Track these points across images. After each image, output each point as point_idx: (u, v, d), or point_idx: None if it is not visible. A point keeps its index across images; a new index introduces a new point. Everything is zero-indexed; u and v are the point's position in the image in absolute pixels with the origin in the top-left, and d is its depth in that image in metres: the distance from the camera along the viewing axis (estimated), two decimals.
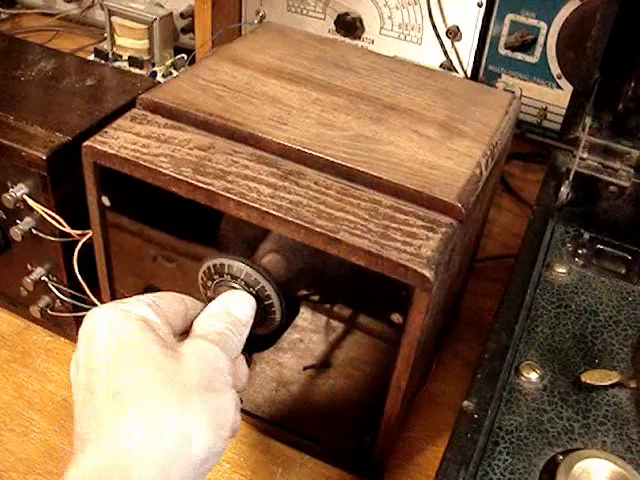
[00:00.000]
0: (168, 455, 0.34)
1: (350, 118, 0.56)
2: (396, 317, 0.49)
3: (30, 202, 0.57)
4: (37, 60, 0.68)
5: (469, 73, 0.97)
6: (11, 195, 0.57)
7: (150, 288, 0.61)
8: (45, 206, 0.57)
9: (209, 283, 0.53)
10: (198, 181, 0.48)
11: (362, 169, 0.51)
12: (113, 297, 0.60)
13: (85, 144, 0.51)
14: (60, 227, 0.57)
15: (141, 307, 0.41)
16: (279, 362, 0.58)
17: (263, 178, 0.49)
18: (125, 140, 0.51)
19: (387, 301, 0.49)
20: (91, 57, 1.00)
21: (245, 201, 0.47)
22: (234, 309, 0.46)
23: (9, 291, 0.67)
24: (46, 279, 0.62)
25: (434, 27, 0.93)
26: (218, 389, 0.38)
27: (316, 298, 0.55)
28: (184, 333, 0.44)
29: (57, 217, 0.57)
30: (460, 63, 0.96)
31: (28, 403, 0.62)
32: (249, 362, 0.53)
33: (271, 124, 0.53)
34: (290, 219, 0.47)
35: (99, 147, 0.51)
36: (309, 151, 0.51)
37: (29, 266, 0.63)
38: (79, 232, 0.58)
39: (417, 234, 0.47)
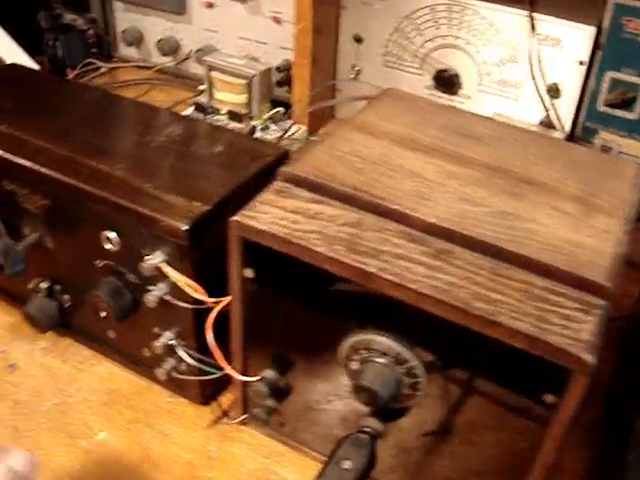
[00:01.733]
0: None
1: (488, 193, 0.56)
2: (550, 398, 0.48)
3: (167, 270, 0.58)
4: (164, 125, 0.69)
5: (567, 130, 0.96)
6: (148, 263, 0.58)
7: (279, 356, 0.62)
8: (182, 274, 0.58)
9: (354, 356, 0.53)
10: (353, 260, 0.48)
11: (511, 249, 0.50)
12: (244, 364, 0.60)
13: (233, 219, 0.52)
14: (197, 295, 0.58)
15: None
16: (399, 427, 0.58)
17: (416, 257, 0.49)
18: (273, 215, 0.52)
19: (537, 380, 0.49)
20: (190, 110, 1.02)
21: (402, 282, 0.47)
22: (17, 466, 0.46)
23: (132, 351, 0.67)
24: (174, 343, 0.63)
25: (536, 85, 0.92)
26: None
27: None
28: None
29: (195, 285, 0.57)
30: (559, 120, 0.96)
31: (155, 466, 0.62)
32: (382, 433, 0.53)
33: (415, 200, 0.54)
34: (447, 301, 0.47)
35: (248, 222, 0.51)
36: (458, 230, 0.51)
37: (156, 329, 0.64)
38: (214, 300, 0.58)
39: (572, 316, 0.47)
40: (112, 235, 0.61)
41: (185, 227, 0.56)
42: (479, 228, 0.52)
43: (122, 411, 0.66)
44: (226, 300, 0.58)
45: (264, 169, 0.63)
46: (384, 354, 0.52)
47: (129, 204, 0.58)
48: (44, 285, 0.71)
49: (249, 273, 0.54)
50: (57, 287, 0.71)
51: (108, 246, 0.62)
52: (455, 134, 0.63)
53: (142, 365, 0.68)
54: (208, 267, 0.59)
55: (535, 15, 0.91)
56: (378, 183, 0.55)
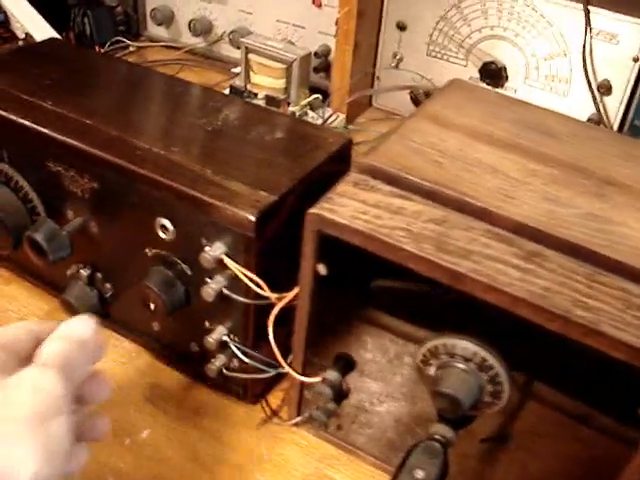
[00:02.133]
0: None
1: (573, 193, 0.53)
2: None
3: (229, 263, 0.55)
4: (219, 107, 0.66)
5: (615, 127, 0.93)
6: (209, 254, 0.54)
7: (342, 356, 0.59)
8: (244, 267, 0.55)
9: (432, 361, 0.50)
10: (443, 260, 0.45)
11: (605, 253, 0.48)
12: (304, 364, 0.57)
13: (311, 211, 0.49)
14: (260, 291, 0.54)
15: None
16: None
17: (507, 259, 0.46)
18: (354, 209, 0.49)
19: (631, 395, 0.46)
20: (226, 93, 0.98)
21: (496, 285, 0.44)
22: (76, 330, 0.45)
23: (178, 345, 0.64)
24: (227, 339, 0.60)
25: (588, 81, 0.89)
26: (50, 417, 0.38)
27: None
28: None
29: (258, 280, 0.54)
30: (607, 117, 0.93)
31: (203, 467, 0.59)
32: (452, 441, 0.51)
33: (500, 197, 0.51)
34: (546, 307, 0.44)
35: (328, 215, 0.48)
36: (547, 231, 0.48)
37: (207, 323, 0.61)
38: (277, 295, 0.55)
39: None
40: (167, 223, 0.57)
41: (253, 217, 0.52)
42: (569, 230, 0.49)
43: (167, 408, 0.63)
44: (290, 296, 0.55)
45: (328, 158, 0.60)
46: (467, 360, 0.49)
47: (189, 190, 0.55)
48: (85, 272, 0.68)
49: (322, 269, 0.51)
50: (99, 275, 0.68)
51: (162, 234, 0.58)
52: (529, 129, 0.60)
53: (189, 360, 0.65)
54: (270, 261, 0.56)
55: (590, 8, 0.87)
56: (459, 179, 0.52)
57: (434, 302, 0.58)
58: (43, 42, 0.79)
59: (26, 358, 0.43)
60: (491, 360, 0.48)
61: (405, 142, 0.55)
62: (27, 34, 1.01)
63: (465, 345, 0.48)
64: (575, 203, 0.52)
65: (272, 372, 0.60)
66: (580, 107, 0.94)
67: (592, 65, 0.91)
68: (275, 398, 0.65)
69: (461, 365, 0.49)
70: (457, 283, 0.45)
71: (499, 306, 0.45)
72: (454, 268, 0.45)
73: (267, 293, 0.55)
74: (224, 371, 0.62)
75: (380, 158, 0.53)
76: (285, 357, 0.57)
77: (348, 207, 0.49)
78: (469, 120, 0.59)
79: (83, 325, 0.45)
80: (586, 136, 0.62)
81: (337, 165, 0.61)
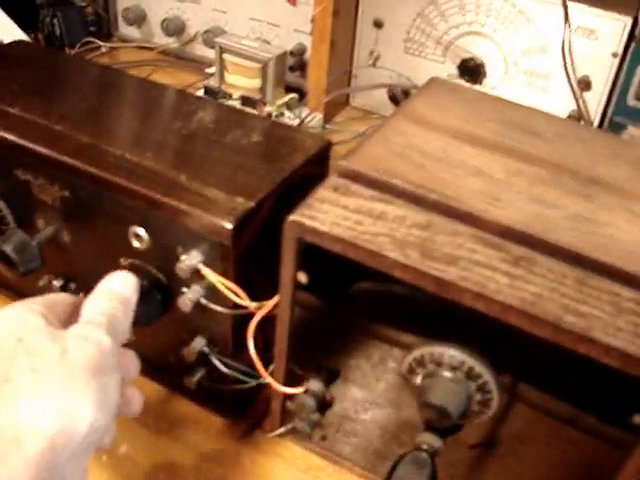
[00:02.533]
0: (54, 428, 0.36)
1: (560, 194, 0.52)
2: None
3: (206, 272, 0.53)
4: (193, 110, 0.64)
5: (595, 124, 0.92)
6: (186, 264, 0.52)
7: (325, 367, 0.57)
8: (221, 275, 0.53)
9: (419, 370, 0.48)
10: (429, 267, 0.44)
11: (594, 257, 0.46)
12: (286, 374, 0.55)
13: (291, 219, 0.47)
14: (238, 300, 0.53)
15: (39, 303, 0.44)
16: None
17: (495, 265, 0.45)
18: (335, 215, 0.47)
19: (623, 400, 0.45)
20: (199, 94, 0.96)
21: (485, 292, 0.43)
22: (118, 288, 0.48)
23: (155, 357, 0.62)
24: (207, 350, 0.58)
25: (567, 77, 0.88)
26: (102, 370, 0.41)
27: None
28: None
29: (236, 289, 0.53)
30: (587, 113, 0.92)
31: None
32: (440, 450, 0.49)
33: (485, 200, 0.49)
34: (537, 314, 0.42)
35: (308, 223, 0.46)
36: (535, 234, 0.47)
37: (185, 334, 0.59)
38: (257, 305, 0.53)
39: None
40: (141, 231, 0.55)
41: (230, 225, 0.51)
42: (557, 233, 0.47)
43: (145, 422, 0.61)
44: (270, 305, 0.53)
45: (307, 161, 0.58)
46: (455, 368, 0.47)
47: (163, 198, 0.53)
48: (57, 283, 0.66)
49: (303, 278, 0.49)
50: (72, 285, 0.65)
51: (135, 243, 0.56)
52: (513, 129, 0.59)
53: (166, 372, 0.63)
54: (248, 268, 0.54)
55: (569, 3, 0.86)
56: (442, 181, 0.50)
57: (418, 307, 0.56)
58: (10, 44, 0.76)
59: (65, 322, 0.45)
60: (479, 368, 0.47)
61: (386, 144, 0.54)
62: None
63: (452, 353, 0.47)
64: (562, 204, 0.50)
65: (253, 383, 0.58)
66: (560, 103, 0.93)
67: (572, 61, 0.90)
68: (258, 409, 0.63)
69: (448, 374, 0.47)
70: (444, 291, 0.44)
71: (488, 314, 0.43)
72: (441, 276, 0.44)
73: (246, 302, 0.53)
74: (204, 382, 0.60)
75: (361, 161, 0.51)
76: (266, 367, 0.56)
77: (329, 213, 0.47)
78: (452, 120, 0.58)
79: (125, 282, 0.48)
80: (571, 135, 0.60)
81: (316, 168, 0.59)
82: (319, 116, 0.97)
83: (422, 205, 0.49)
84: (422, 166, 0.52)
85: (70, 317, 0.46)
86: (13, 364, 0.38)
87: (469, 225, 0.48)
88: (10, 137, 0.58)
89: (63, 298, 0.47)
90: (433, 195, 0.49)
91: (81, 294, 0.49)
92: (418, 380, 0.50)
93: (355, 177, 0.50)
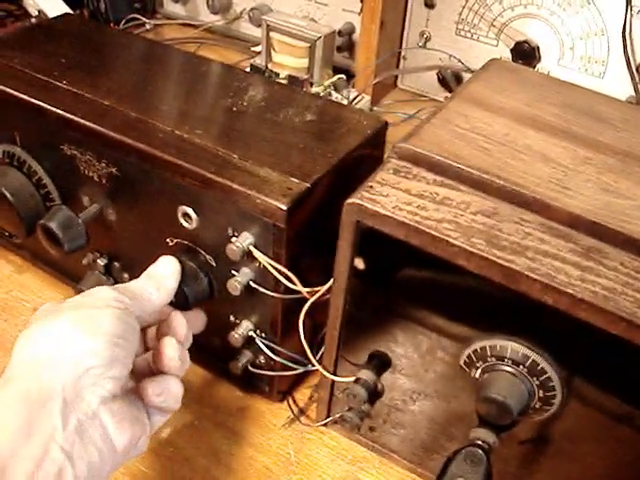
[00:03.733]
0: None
1: (630, 184, 0.49)
2: None
3: (257, 254, 0.51)
4: (244, 87, 0.62)
5: None
6: (237, 246, 0.51)
7: (376, 354, 0.55)
8: (273, 259, 0.51)
9: (479, 364, 0.46)
10: (496, 257, 0.42)
11: None
12: (336, 362, 0.54)
13: (350, 201, 0.45)
14: (290, 284, 0.51)
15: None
16: None
17: (565, 256, 0.42)
18: (397, 199, 0.45)
19: None
20: None
21: (555, 285, 0.41)
22: (157, 268, 0.52)
23: (199, 340, 0.60)
24: (254, 334, 0.56)
25: (627, 62, 0.85)
26: (121, 340, 0.43)
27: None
28: None
29: (288, 273, 0.51)
30: None
31: (227, 469, 0.56)
32: (495, 446, 0.47)
33: (553, 187, 0.47)
34: (609, 309, 0.40)
35: (369, 206, 0.44)
36: (607, 224, 0.44)
37: (232, 318, 0.57)
38: (309, 290, 0.51)
39: None
40: (190, 211, 0.54)
41: (284, 206, 0.49)
42: (629, 224, 0.45)
43: (188, 406, 0.60)
44: (323, 290, 0.51)
45: (363, 142, 0.56)
46: (517, 363, 0.45)
47: (215, 177, 0.51)
48: (101, 262, 0.64)
49: (360, 264, 0.47)
50: (116, 264, 0.64)
51: (184, 223, 0.55)
52: (578, 113, 0.56)
53: (212, 356, 0.61)
54: (300, 252, 0.52)
55: None
56: (508, 167, 0.48)
57: (471, 297, 0.54)
58: (57, 18, 0.75)
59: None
60: (543, 364, 0.44)
61: (448, 126, 0.51)
62: (40, 11, 0.98)
63: (516, 348, 0.44)
64: (634, 194, 0.48)
65: (300, 369, 0.57)
66: (616, 90, 0.89)
67: (631, 45, 0.87)
68: (302, 396, 0.62)
69: (510, 369, 0.45)
70: (512, 282, 0.42)
71: (555, 307, 0.41)
72: (510, 266, 0.41)
73: (298, 287, 0.51)
74: (249, 368, 0.58)
75: (422, 143, 0.49)
76: (313, 354, 0.54)
77: (390, 197, 0.45)
78: (515, 103, 0.55)
79: (167, 266, 0.52)
80: (639, 121, 0.57)
81: (372, 150, 0.57)
82: (367, 98, 0.94)
83: (488, 191, 0.46)
84: (486, 150, 0.49)
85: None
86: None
87: (536, 213, 0.46)
88: (57, 111, 0.57)
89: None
90: (499, 181, 0.46)
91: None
92: (477, 373, 0.48)
93: (417, 160, 0.48)
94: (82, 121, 0.57)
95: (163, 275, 0.51)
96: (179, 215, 0.55)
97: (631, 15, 0.84)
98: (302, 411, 0.61)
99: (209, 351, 0.61)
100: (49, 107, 0.57)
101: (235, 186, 0.51)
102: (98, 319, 0.43)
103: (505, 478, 0.56)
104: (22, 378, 0.40)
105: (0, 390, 0.40)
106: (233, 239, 0.52)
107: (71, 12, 0.95)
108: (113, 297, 0.45)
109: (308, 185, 0.51)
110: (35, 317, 0.44)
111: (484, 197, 0.46)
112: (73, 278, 0.67)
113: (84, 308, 0.44)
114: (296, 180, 0.51)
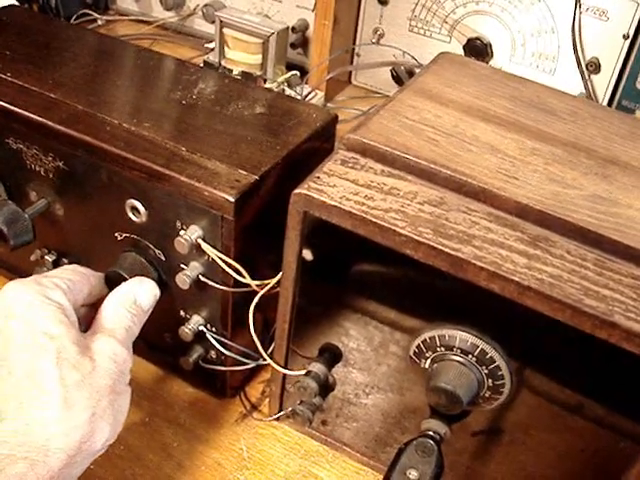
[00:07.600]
0: (76, 446, 0.40)
1: (577, 174, 0.50)
2: None
3: (206, 248, 0.51)
4: (194, 81, 0.61)
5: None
6: (185, 239, 0.50)
7: (327, 347, 0.55)
8: (222, 252, 0.50)
9: (428, 354, 0.46)
10: (443, 245, 0.42)
11: (615, 238, 0.44)
12: (287, 355, 0.53)
13: (297, 191, 0.45)
14: (239, 277, 0.50)
15: (58, 294, 0.45)
16: None
17: (512, 244, 0.43)
18: (345, 189, 0.45)
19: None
20: None
21: (501, 272, 0.41)
22: (141, 298, 0.50)
23: (150, 336, 0.60)
24: (204, 329, 0.56)
25: (577, 58, 0.86)
26: (121, 391, 0.44)
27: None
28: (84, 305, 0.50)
29: (237, 266, 0.50)
30: (595, 97, 0.90)
31: (179, 465, 0.55)
32: (446, 437, 0.48)
33: (500, 177, 0.47)
34: (556, 296, 0.40)
35: (316, 196, 0.44)
36: (553, 213, 0.45)
37: (182, 313, 0.57)
38: (258, 283, 0.51)
39: None
40: (138, 205, 0.53)
41: (232, 198, 0.48)
42: (576, 213, 0.45)
43: (139, 403, 0.59)
44: (272, 283, 0.51)
45: (313, 134, 0.56)
46: (466, 353, 0.45)
47: (163, 169, 0.50)
48: (50, 258, 0.63)
49: (308, 255, 0.47)
50: (65, 260, 0.63)
51: (133, 217, 0.54)
52: (527, 106, 0.57)
53: (162, 352, 0.60)
54: (249, 245, 0.52)
55: None
56: (457, 157, 0.48)
57: (421, 289, 0.54)
58: (2, 9, 0.73)
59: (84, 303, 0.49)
60: (491, 353, 0.44)
61: (396, 118, 0.51)
62: None
63: (464, 337, 0.45)
64: (580, 184, 0.48)
65: (252, 364, 0.56)
66: (567, 86, 0.90)
67: (581, 42, 0.88)
68: (255, 391, 0.61)
69: (459, 358, 0.45)
70: (458, 270, 0.42)
71: (503, 296, 0.41)
72: (456, 254, 0.41)
73: (247, 280, 0.51)
74: (201, 363, 0.58)
75: (370, 134, 0.49)
76: (264, 348, 0.54)
77: (337, 187, 0.45)
78: (464, 96, 0.56)
79: (150, 296, 0.51)
80: (585, 114, 0.58)
81: (321, 143, 0.57)
82: (320, 94, 0.94)
83: (435, 181, 0.47)
84: (435, 141, 0.49)
85: (88, 298, 0.49)
86: (43, 372, 0.41)
87: (484, 203, 0.46)
88: (1, 104, 0.56)
89: (80, 277, 0.49)
90: (447, 171, 0.46)
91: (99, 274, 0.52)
92: (427, 364, 0.48)
93: (365, 151, 0.48)
94: (27, 114, 0.55)
95: (147, 311, 0.52)
96: (127, 209, 0.54)
97: (580, 12, 0.85)
98: (254, 406, 0.60)
99: (160, 347, 0.60)
100: None
101: (183, 179, 0.50)
102: (122, 412, 0.45)
103: (459, 469, 0.56)
104: None
105: None
106: (182, 232, 0.51)
107: (17, 4, 0.93)
108: (129, 370, 0.47)
109: (257, 177, 0.50)
110: None
111: (432, 187, 0.46)
112: (21, 275, 0.65)
113: (119, 396, 0.44)
114: (245, 172, 0.51)
